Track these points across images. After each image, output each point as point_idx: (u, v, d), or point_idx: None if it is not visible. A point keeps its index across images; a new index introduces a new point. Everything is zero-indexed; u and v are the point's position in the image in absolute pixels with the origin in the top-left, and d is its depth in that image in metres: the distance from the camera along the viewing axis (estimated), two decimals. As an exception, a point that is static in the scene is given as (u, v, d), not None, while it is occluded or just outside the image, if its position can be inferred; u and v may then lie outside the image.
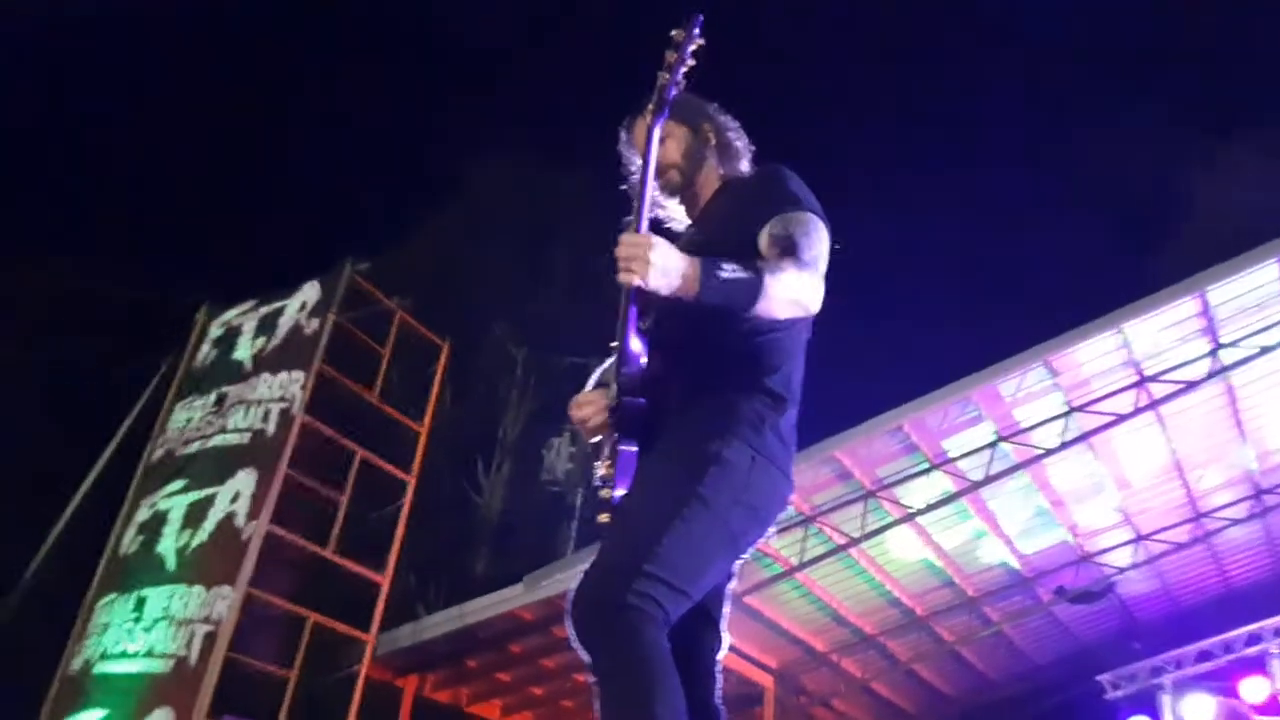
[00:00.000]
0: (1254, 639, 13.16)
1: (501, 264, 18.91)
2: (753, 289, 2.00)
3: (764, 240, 2.16)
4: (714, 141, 2.49)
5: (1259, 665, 12.76)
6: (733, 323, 2.11)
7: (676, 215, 2.55)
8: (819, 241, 2.18)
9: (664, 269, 1.98)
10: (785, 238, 2.14)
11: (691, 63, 2.30)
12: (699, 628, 2.17)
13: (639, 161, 2.42)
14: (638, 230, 2.15)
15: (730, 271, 1.99)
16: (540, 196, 19.08)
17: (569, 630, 1.92)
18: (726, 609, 2.28)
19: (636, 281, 2.00)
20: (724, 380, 2.15)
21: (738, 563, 2.28)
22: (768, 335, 2.17)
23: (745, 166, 2.51)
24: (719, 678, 2.20)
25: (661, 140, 2.40)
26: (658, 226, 2.47)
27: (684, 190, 2.49)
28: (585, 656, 1.90)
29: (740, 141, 2.52)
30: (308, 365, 9.14)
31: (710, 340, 2.16)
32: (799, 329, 2.27)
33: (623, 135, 2.55)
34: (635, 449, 2.15)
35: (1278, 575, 14.05)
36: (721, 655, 2.23)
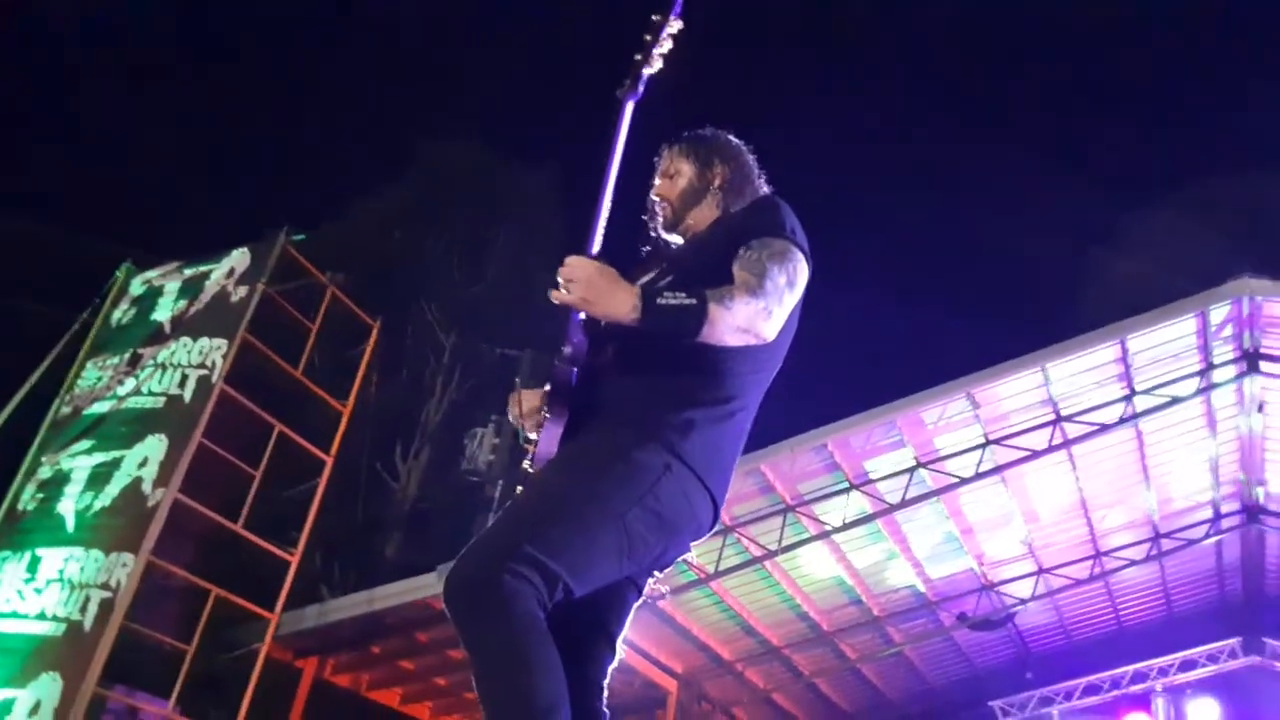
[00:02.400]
0: (1140, 676, 13.70)
1: (440, 249, 18.66)
2: (696, 317, 1.97)
3: (736, 264, 2.13)
4: (718, 183, 2.44)
5: (1143, 702, 13.28)
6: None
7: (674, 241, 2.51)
8: (788, 271, 2.12)
9: (600, 296, 1.99)
10: (753, 263, 2.11)
11: (669, 45, 2.31)
12: (593, 638, 2.12)
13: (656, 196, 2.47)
14: (589, 245, 2.14)
15: (673, 299, 1.98)
16: (487, 186, 18.88)
17: (444, 606, 1.86)
18: (626, 622, 2.21)
19: (569, 301, 2.01)
20: (661, 381, 2.10)
21: (650, 580, 2.22)
22: (719, 348, 2.10)
23: (749, 197, 2.46)
24: (605, 688, 2.15)
25: (671, 175, 2.46)
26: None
27: (676, 228, 2.46)
28: (458, 630, 1.84)
29: (751, 185, 2.47)
30: (231, 333, 8.85)
31: (659, 342, 2.11)
32: (756, 359, 2.20)
33: (657, 163, 2.52)
34: (561, 419, 2.11)
35: (1168, 617, 14.61)
36: (612, 667, 2.17)
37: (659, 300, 1.98)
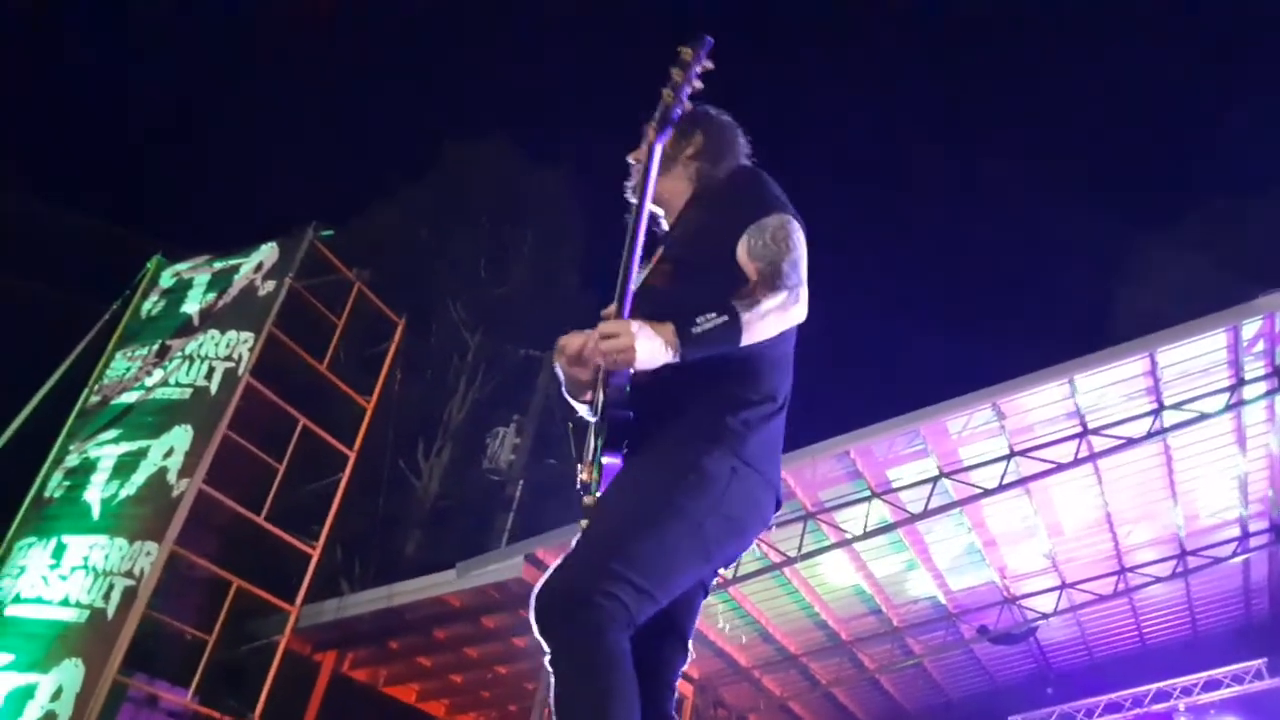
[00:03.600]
0: (1163, 695, 13.52)
1: (467, 249, 18.74)
2: (732, 332, 2.01)
3: (742, 253, 2.15)
4: (690, 152, 2.44)
5: (1165, 721, 13.08)
6: None
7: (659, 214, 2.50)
8: (796, 245, 2.16)
9: (645, 354, 1.99)
10: (760, 250, 2.13)
11: (698, 85, 2.28)
12: (665, 640, 2.16)
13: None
14: (623, 301, 2.12)
15: (705, 324, 2.00)
16: (513, 187, 18.96)
17: (531, 623, 1.88)
18: (695, 622, 2.26)
19: (623, 368, 2.03)
20: (711, 388, 2.13)
21: (715, 578, 2.29)
22: (757, 347, 2.14)
23: (725, 170, 2.43)
24: (676, 689, 2.19)
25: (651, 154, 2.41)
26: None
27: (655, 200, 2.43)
28: (545, 651, 1.87)
29: (729, 147, 2.46)
30: (258, 327, 8.92)
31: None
32: (787, 337, 2.25)
33: (631, 161, 2.48)
34: (619, 461, 2.12)
35: (1192, 636, 14.41)
36: (684, 667, 2.22)
37: (694, 330, 2.00)
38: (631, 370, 2.08)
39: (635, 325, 2.01)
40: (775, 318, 2.07)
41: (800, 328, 2.24)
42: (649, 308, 2.08)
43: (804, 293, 2.13)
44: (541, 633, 1.87)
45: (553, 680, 1.85)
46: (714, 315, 2.00)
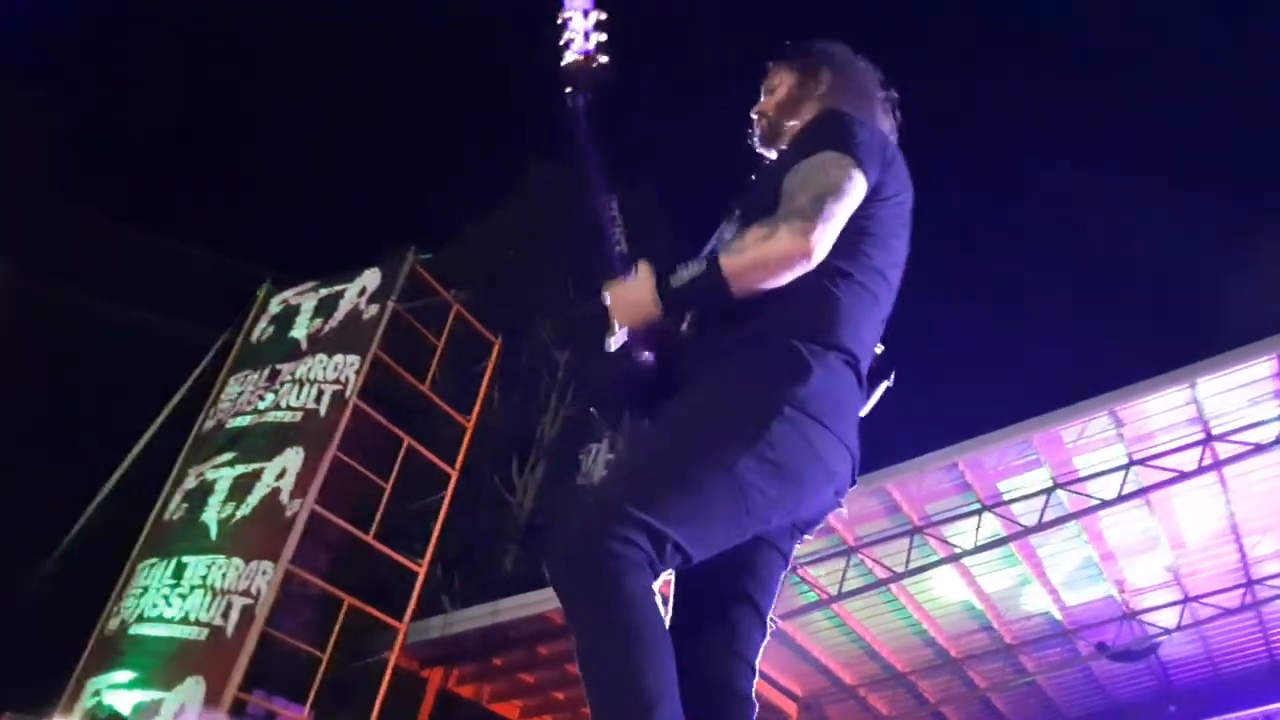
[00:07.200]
0: (1297, 715, 12.80)
1: (553, 269, 18.90)
2: (711, 279, 1.84)
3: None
4: (821, 91, 2.21)
5: (1301, 742, 12.40)
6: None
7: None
8: (824, 181, 1.88)
9: (628, 311, 1.94)
10: (789, 187, 1.91)
11: (603, 36, 2.19)
12: (738, 613, 1.95)
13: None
14: (612, 265, 2.03)
15: (685, 273, 1.88)
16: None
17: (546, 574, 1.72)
18: (775, 595, 2.02)
19: (621, 332, 1.98)
20: (763, 325, 1.88)
21: (798, 542, 2.04)
22: (813, 287, 1.89)
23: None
24: (756, 670, 1.96)
25: (772, 90, 2.28)
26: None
27: (775, 141, 2.26)
28: (562, 604, 1.71)
29: (842, 88, 2.21)
30: (364, 350, 9.12)
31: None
32: (865, 276, 1.96)
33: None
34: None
35: (1328, 652, 13.62)
36: (764, 645, 1.99)
37: (671, 281, 1.88)
38: (632, 330, 1.97)
39: (615, 285, 1.97)
40: (755, 256, 1.83)
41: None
42: None
43: (807, 227, 1.81)
44: (556, 589, 1.71)
45: (574, 638, 1.69)
46: (694, 264, 1.87)
